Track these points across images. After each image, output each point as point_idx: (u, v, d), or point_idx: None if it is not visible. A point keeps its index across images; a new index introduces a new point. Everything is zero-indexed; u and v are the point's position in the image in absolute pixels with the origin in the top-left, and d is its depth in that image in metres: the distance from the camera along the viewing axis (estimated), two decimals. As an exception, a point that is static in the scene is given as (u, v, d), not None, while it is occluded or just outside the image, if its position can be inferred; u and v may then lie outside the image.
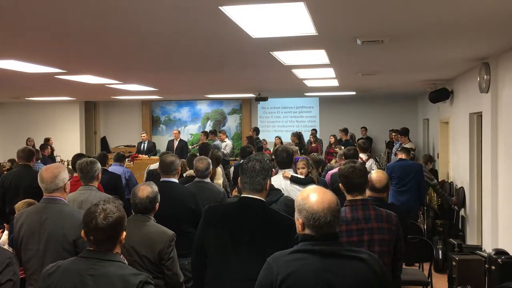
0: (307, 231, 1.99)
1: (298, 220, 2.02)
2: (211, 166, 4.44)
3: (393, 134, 11.30)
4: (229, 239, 2.58)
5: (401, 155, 6.79)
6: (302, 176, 4.48)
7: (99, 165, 4.01)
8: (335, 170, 6.06)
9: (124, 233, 2.24)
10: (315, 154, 5.89)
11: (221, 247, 2.59)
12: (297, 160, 4.83)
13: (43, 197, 3.10)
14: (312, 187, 2.12)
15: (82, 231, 2.19)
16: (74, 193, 3.87)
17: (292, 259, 1.95)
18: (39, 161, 8.16)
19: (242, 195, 2.67)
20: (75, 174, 4.71)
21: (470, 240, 6.81)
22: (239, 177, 2.69)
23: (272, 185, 3.43)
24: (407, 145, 9.39)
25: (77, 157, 4.94)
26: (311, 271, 1.91)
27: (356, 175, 2.84)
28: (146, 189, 3.14)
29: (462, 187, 7.70)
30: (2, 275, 2.39)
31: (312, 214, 1.96)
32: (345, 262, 1.94)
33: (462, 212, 7.65)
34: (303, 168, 4.72)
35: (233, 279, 2.54)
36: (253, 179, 2.61)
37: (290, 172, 4.31)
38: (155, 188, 3.20)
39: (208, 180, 4.40)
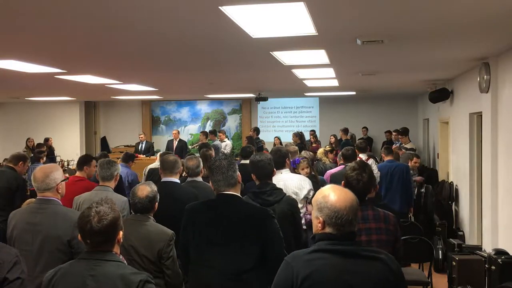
0: (327, 230, 1.98)
1: (318, 218, 2.00)
2: (201, 164, 4.46)
3: (394, 133, 11.31)
4: (209, 235, 2.68)
5: (387, 157, 6.73)
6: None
7: (119, 167, 4.06)
8: (336, 170, 6.06)
9: (121, 233, 2.23)
10: (303, 153, 5.85)
11: (201, 244, 2.70)
12: (299, 162, 4.83)
13: (37, 197, 3.10)
14: (330, 186, 2.11)
15: (79, 235, 2.19)
16: (90, 193, 3.89)
17: (313, 258, 1.95)
18: (41, 161, 8.18)
19: (218, 193, 2.77)
20: (77, 174, 4.74)
21: (470, 240, 6.81)
22: (210, 179, 2.80)
23: (274, 184, 3.45)
24: (408, 145, 9.42)
25: (84, 157, 4.97)
26: (332, 271, 1.91)
27: (360, 187, 2.81)
28: (145, 189, 3.14)
29: (452, 182, 7.72)
30: (10, 273, 2.39)
31: (335, 213, 1.96)
32: (365, 262, 1.95)
33: (454, 207, 7.68)
34: (307, 167, 4.72)
35: (214, 273, 2.63)
36: (225, 175, 2.74)
37: (286, 172, 4.31)
38: (154, 187, 3.21)
39: (200, 178, 4.42)
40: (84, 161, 4.82)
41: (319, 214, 2.00)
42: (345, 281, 1.90)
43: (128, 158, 6.71)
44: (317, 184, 4.59)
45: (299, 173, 4.82)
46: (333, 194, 2.00)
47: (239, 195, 2.79)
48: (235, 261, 2.62)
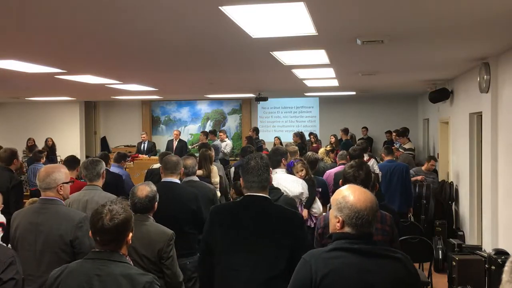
0: (346, 229, 1.99)
1: (337, 218, 2.01)
2: (197, 164, 4.48)
3: (394, 134, 11.32)
4: (237, 237, 2.59)
5: (387, 157, 6.76)
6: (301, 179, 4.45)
7: (103, 164, 4.03)
8: (337, 169, 6.06)
9: (131, 234, 2.24)
10: (309, 153, 5.82)
11: (228, 246, 2.60)
12: (292, 165, 4.80)
13: (40, 197, 3.11)
14: (349, 186, 2.11)
15: (90, 231, 2.20)
16: (79, 193, 3.86)
17: (331, 257, 1.95)
18: (42, 161, 8.20)
19: (246, 194, 2.68)
20: None
21: (470, 240, 6.81)
22: (242, 177, 2.69)
23: (272, 184, 3.44)
24: (407, 145, 9.43)
25: (73, 157, 4.97)
26: (351, 270, 1.92)
27: (356, 184, 2.82)
28: (145, 189, 3.14)
29: (452, 182, 7.76)
30: (4, 273, 2.39)
31: (356, 213, 1.97)
32: (382, 261, 1.96)
33: (454, 207, 7.69)
34: (301, 170, 4.69)
35: (242, 277, 2.54)
36: (260, 176, 2.64)
37: (281, 172, 4.29)
38: (154, 187, 3.21)
39: (196, 178, 4.42)
40: (75, 161, 4.83)
41: (338, 213, 2.01)
42: (364, 280, 1.91)
43: (121, 158, 6.67)
44: (313, 187, 4.55)
45: (296, 175, 4.78)
46: (353, 195, 2.02)
47: (268, 196, 2.70)
48: (264, 265, 2.52)
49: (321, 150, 8.04)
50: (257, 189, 2.64)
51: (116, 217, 2.14)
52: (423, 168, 7.74)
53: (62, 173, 3.13)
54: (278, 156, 4.34)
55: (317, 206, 4.48)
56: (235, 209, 2.73)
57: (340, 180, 2.98)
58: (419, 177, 7.63)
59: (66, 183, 3.14)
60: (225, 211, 2.77)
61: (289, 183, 4.21)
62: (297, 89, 10.34)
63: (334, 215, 2.04)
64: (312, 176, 4.80)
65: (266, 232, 2.57)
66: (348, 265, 1.92)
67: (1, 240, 3.55)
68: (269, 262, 2.53)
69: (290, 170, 4.73)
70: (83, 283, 2.10)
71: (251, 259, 2.54)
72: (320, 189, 4.99)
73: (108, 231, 2.13)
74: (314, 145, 11.65)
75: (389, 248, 2.07)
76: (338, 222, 2.00)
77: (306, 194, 4.32)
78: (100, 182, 3.92)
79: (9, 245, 3.14)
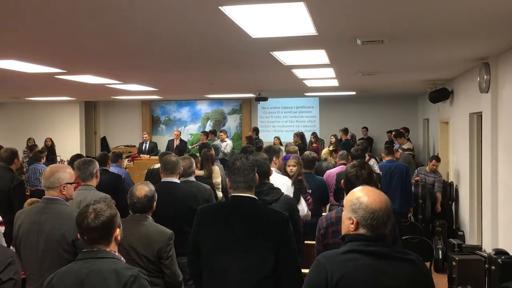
0: (361, 231, 1.97)
1: (351, 219, 1.99)
2: (194, 165, 4.49)
3: (393, 133, 11.32)
4: (224, 238, 2.60)
5: (387, 157, 6.75)
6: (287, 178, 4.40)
7: (96, 164, 4.01)
8: (337, 169, 6.05)
9: (118, 230, 2.26)
10: (307, 152, 5.77)
11: (216, 247, 2.61)
12: (289, 158, 4.75)
13: (43, 196, 3.11)
14: (362, 188, 2.09)
15: (78, 232, 2.23)
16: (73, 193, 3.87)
17: (346, 259, 1.93)
18: (42, 161, 8.21)
19: (233, 194, 2.68)
20: None
21: (470, 240, 6.81)
22: (228, 178, 2.70)
23: (272, 184, 3.44)
24: (405, 146, 9.43)
25: (75, 157, 4.96)
26: (366, 272, 1.91)
27: (359, 183, 2.79)
28: (143, 189, 3.14)
29: (452, 182, 7.76)
30: (3, 273, 2.40)
31: (371, 214, 1.95)
32: (397, 263, 1.95)
33: (453, 207, 7.69)
34: (294, 166, 4.61)
35: (231, 277, 2.55)
36: (247, 177, 2.64)
37: (272, 170, 4.27)
38: (152, 187, 3.21)
39: (193, 178, 4.43)
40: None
41: (353, 215, 1.99)
42: (379, 282, 1.90)
43: (117, 157, 6.76)
44: (299, 189, 4.48)
45: (287, 169, 4.70)
46: (368, 196, 2.00)
47: (255, 197, 2.70)
48: (255, 266, 2.53)
49: (325, 150, 8.07)
50: (244, 189, 2.64)
51: (100, 214, 2.18)
52: (427, 168, 7.72)
53: (67, 173, 3.13)
54: (270, 155, 4.33)
55: (301, 207, 4.39)
56: (224, 210, 2.73)
57: (342, 180, 2.97)
58: (415, 178, 7.63)
59: (70, 183, 3.14)
60: (214, 211, 2.76)
61: (273, 183, 4.20)
62: (297, 89, 10.34)
63: (348, 216, 2.01)
64: (302, 177, 4.69)
65: (256, 233, 2.57)
66: (364, 267, 1.91)
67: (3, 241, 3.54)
68: (260, 263, 2.54)
69: (285, 162, 4.71)
70: (74, 285, 2.12)
71: (242, 260, 2.54)
72: (310, 191, 4.88)
73: (94, 229, 2.16)
74: (314, 145, 11.66)
75: (404, 250, 2.06)
76: (352, 223, 1.98)
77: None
78: (94, 182, 3.91)
79: (11, 246, 3.14)
